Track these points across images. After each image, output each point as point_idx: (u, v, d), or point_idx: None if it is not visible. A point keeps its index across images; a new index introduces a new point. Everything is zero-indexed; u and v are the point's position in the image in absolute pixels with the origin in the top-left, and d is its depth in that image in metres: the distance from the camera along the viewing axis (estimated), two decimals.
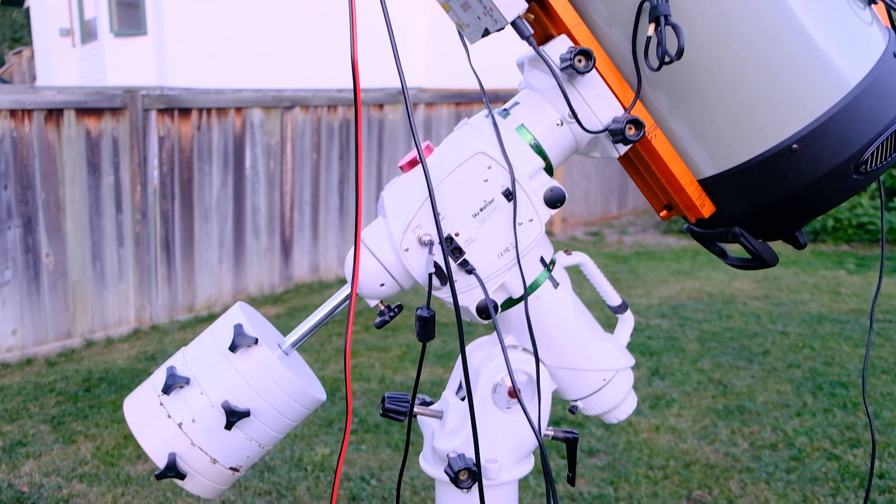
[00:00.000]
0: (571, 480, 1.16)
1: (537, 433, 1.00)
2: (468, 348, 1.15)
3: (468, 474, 0.99)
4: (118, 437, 3.78)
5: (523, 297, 1.04)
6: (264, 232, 6.30)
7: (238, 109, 5.97)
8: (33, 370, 4.86)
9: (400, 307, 1.08)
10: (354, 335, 5.39)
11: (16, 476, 3.40)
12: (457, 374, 1.14)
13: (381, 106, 7.05)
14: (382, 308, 1.08)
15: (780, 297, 5.96)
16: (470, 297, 1.03)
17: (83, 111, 5.06)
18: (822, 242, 8.15)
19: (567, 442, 1.14)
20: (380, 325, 1.07)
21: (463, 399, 1.09)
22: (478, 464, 0.97)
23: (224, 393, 1.01)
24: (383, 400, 1.10)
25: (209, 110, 5.78)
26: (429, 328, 0.98)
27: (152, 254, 5.57)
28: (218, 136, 5.87)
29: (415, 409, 1.10)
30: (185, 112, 5.63)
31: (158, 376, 1.06)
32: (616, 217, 9.97)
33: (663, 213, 1.20)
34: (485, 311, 1.03)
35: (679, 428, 3.65)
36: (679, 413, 3.81)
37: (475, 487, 1.06)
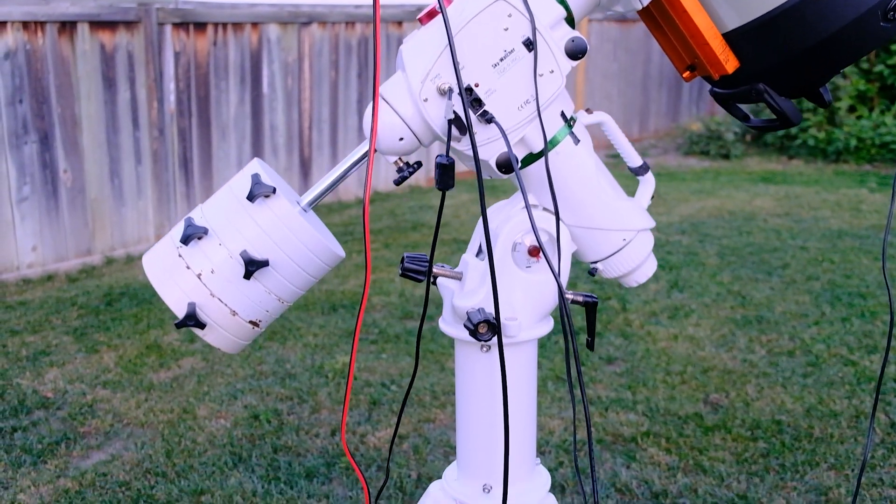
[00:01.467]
0: (591, 345, 1.15)
1: (558, 278, 0.99)
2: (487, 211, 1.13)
3: (487, 327, 0.98)
4: (140, 347, 3.84)
5: (544, 153, 1.02)
6: (283, 150, 6.27)
7: (254, 25, 5.88)
8: (54, 286, 4.92)
9: (419, 164, 1.06)
10: (374, 252, 5.41)
11: (40, 383, 3.47)
12: (476, 237, 1.13)
13: (399, 23, 6.92)
14: (401, 165, 1.06)
15: (801, 214, 5.90)
16: (490, 151, 1.01)
17: (97, 24, 4.99)
18: (845, 162, 8.02)
19: (586, 306, 1.13)
20: (398, 182, 1.05)
21: (482, 260, 1.08)
22: (497, 318, 0.96)
23: (242, 243, 1.00)
24: (402, 260, 1.09)
25: (225, 25, 5.69)
26: (448, 176, 0.96)
27: (170, 171, 5.57)
28: (234, 53, 5.79)
29: (434, 270, 1.09)
30: (200, 27, 5.55)
31: (177, 230, 1.05)
32: (637, 140, 9.84)
33: (686, 73, 1.16)
34: (505, 164, 1.01)
35: (697, 336, 3.65)
36: (697, 323, 3.81)
37: (495, 348, 1.06)
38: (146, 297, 4.63)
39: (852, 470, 2.53)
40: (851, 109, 8.45)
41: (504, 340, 1.02)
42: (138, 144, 5.34)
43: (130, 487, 2.63)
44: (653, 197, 1.15)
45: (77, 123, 5.00)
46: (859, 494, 2.40)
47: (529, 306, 1.06)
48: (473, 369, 1.08)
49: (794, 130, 8.43)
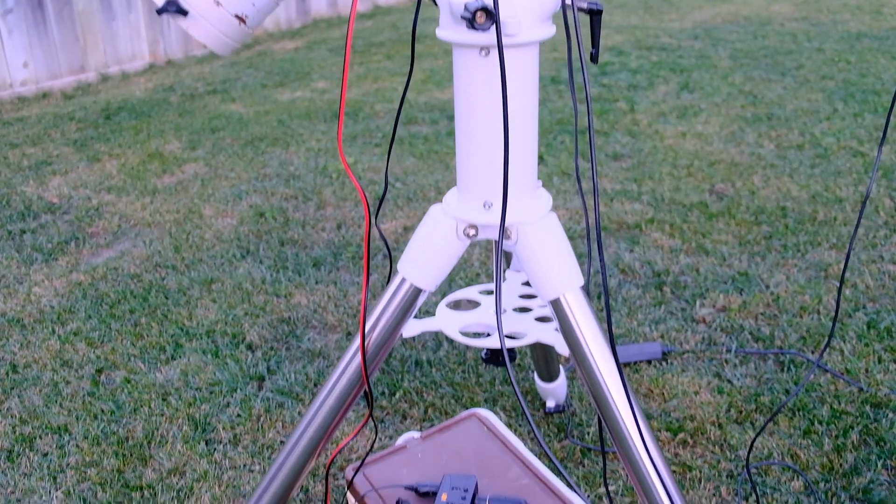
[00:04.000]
0: (594, 58, 1.10)
1: None
2: None
3: (486, 15, 0.93)
4: (142, 155, 3.82)
5: None
6: None
7: None
8: (50, 103, 4.84)
9: None
10: (377, 63, 5.26)
11: (44, 190, 3.47)
12: None
13: None
14: None
15: (819, 18, 5.68)
16: None
17: None
18: None
19: (591, 13, 1.06)
20: None
21: None
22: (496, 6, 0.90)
23: None
24: None
25: None
26: None
27: None
28: None
29: None
30: None
31: None
32: None
33: None
34: None
35: (706, 133, 3.60)
36: (707, 121, 3.75)
37: (494, 53, 1.01)
38: (145, 110, 4.56)
39: (853, 249, 2.54)
40: None
41: (503, 40, 0.96)
42: None
43: (142, 279, 2.67)
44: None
45: None
46: (860, 271, 2.42)
47: (530, 5, 1.00)
48: (472, 77, 1.03)
49: None
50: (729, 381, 1.98)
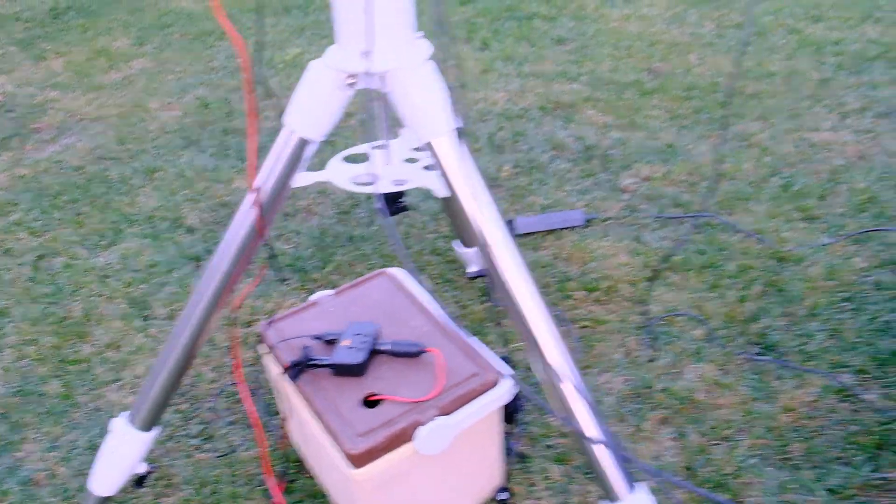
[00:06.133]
0: None
1: None
2: None
3: None
4: (89, 53, 3.78)
5: None
6: None
7: None
8: None
9: None
10: None
11: None
12: None
13: None
14: None
15: None
16: None
17: None
18: None
19: None
20: None
21: None
22: None
23: None
24: None
25: None
26: None
27: None
28: None
29: None
30: None
31: None
32: None
33: None
34: None
35: (650, 15, 3.60)
36: (652, 3, 3.74)
37: None
38: (94, 9, 4.48)
39: (777, 120, 2.61)
40: None
41: None
42: None
43: (85, 171, 2.71)
44: None
45: None
46: (781, 139, 2.49)
47: None
48: None
49: None
50: (646, 244, 2.07)
